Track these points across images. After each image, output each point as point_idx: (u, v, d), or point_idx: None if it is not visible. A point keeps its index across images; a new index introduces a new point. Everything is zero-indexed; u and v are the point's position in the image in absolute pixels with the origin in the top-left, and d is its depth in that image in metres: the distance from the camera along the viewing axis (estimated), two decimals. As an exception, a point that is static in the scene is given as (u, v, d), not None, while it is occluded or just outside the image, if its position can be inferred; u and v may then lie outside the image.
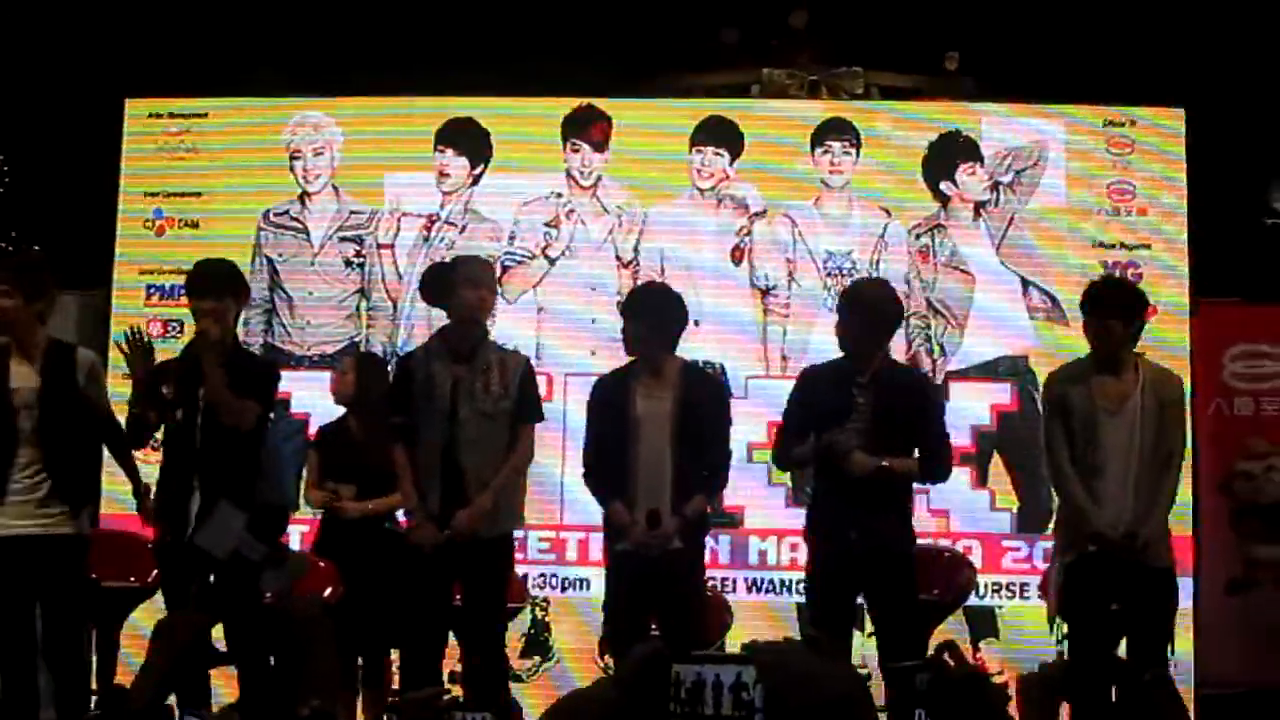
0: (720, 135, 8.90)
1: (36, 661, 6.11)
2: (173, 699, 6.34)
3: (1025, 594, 8.49)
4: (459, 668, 6.75)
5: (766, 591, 8.53)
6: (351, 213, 8.97)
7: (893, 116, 9.00)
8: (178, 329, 8.49)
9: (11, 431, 6.08)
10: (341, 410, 7.55)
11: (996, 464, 8.67)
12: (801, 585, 7.06)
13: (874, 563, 6.31)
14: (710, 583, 7.83)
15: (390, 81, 9.01)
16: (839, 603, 6.39)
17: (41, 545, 6.06)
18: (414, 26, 9.38)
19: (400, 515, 7.02)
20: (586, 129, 8.94)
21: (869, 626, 6.61)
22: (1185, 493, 6.93)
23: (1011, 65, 9.12)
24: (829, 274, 8.75)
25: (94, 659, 7.22)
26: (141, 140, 9.00)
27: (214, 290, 6.34)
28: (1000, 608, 8.53)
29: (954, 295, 8.78)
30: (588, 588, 8.43)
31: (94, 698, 6.81)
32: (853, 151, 8.89)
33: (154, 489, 6.40)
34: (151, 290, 8.85)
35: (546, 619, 8.58)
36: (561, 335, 8.77)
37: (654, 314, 6.63)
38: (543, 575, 8.57)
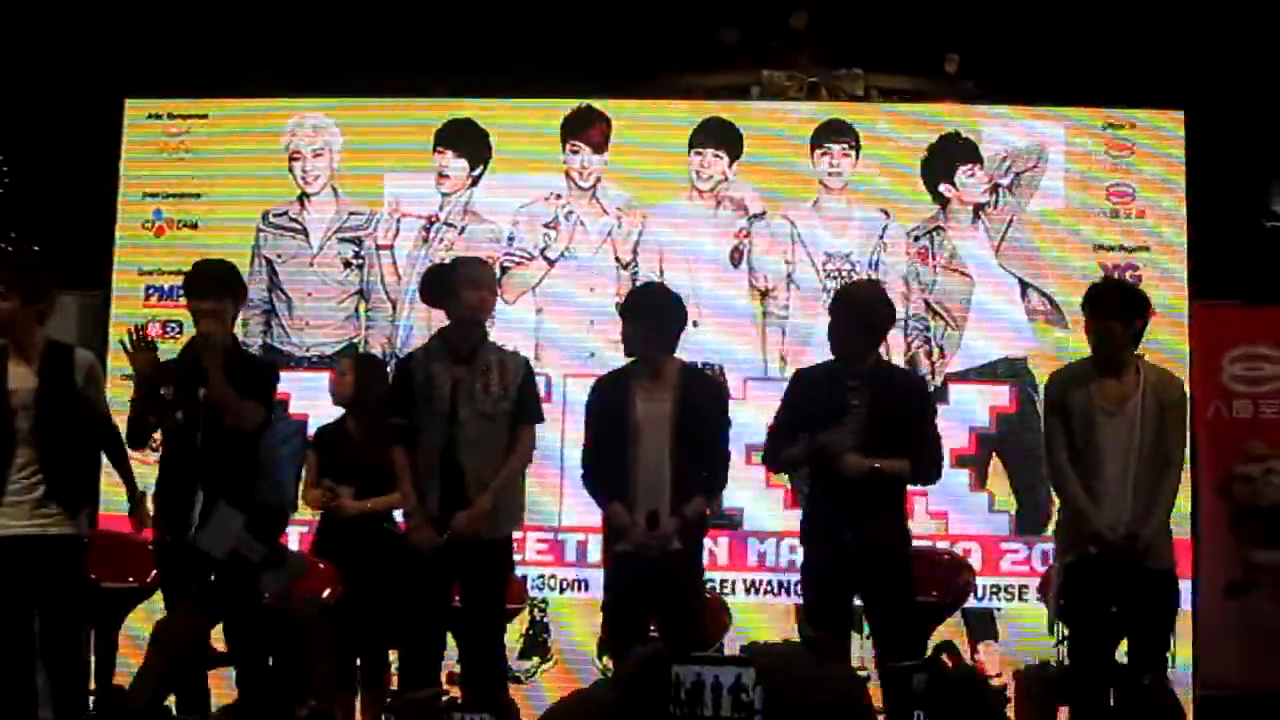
0: (720, 136, 8.90)
1: (34, 662, 6.11)
2: (171, 700, 6.33)
3: (1024, 596, 8.49)
4: (458, 668, 6.75)
5: (765, 593, 8.54)
6: (351, 214, 8.97)
7: (892, 118, 9.01)
8: (177, 330, 8.49)
9: (9, 432, 6.07)
10: (340, 411, 7.55)
11: (995, 466, 8.67)
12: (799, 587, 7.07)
13: (869, 563, 6.31)
14: (709, 584, 7.84)
15: (390, 83, 9.01)
16: (835, 604, 6.39)
17: (39, 546, 6.04)
18: (413, 28, 9.38)
19: (399, 516, 7.02)
20: (586, 130, 8.95)
21: (868, 628, 6.61)
22: (1184, 496, 6.92)
23: (1011, 67, 9.12)
24: (828, 275, 8.76)
25: (92, 659, 7.22)
26: (141, 141, 9.02)
27: (213, 291, 6.34)
28: (999, 609, 8.54)
29: (953, 297, 8.79)
30: (587, 589, 8.43)
31: (92, 698, 6.81)
32: (852, 153, 8.90)
33: (149, 496, 6.41)
34: (150, 291, 8.86)
35: (546, 620, 8.58)
36: (560, 336, 8.78)
37: (653, 315, 6.62)
38: (542, 576, 8.57)
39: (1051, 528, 7.55)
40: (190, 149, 8.98)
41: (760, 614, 8.46)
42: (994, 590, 8.52)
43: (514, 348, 6.97)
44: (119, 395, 6.84)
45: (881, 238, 8.82)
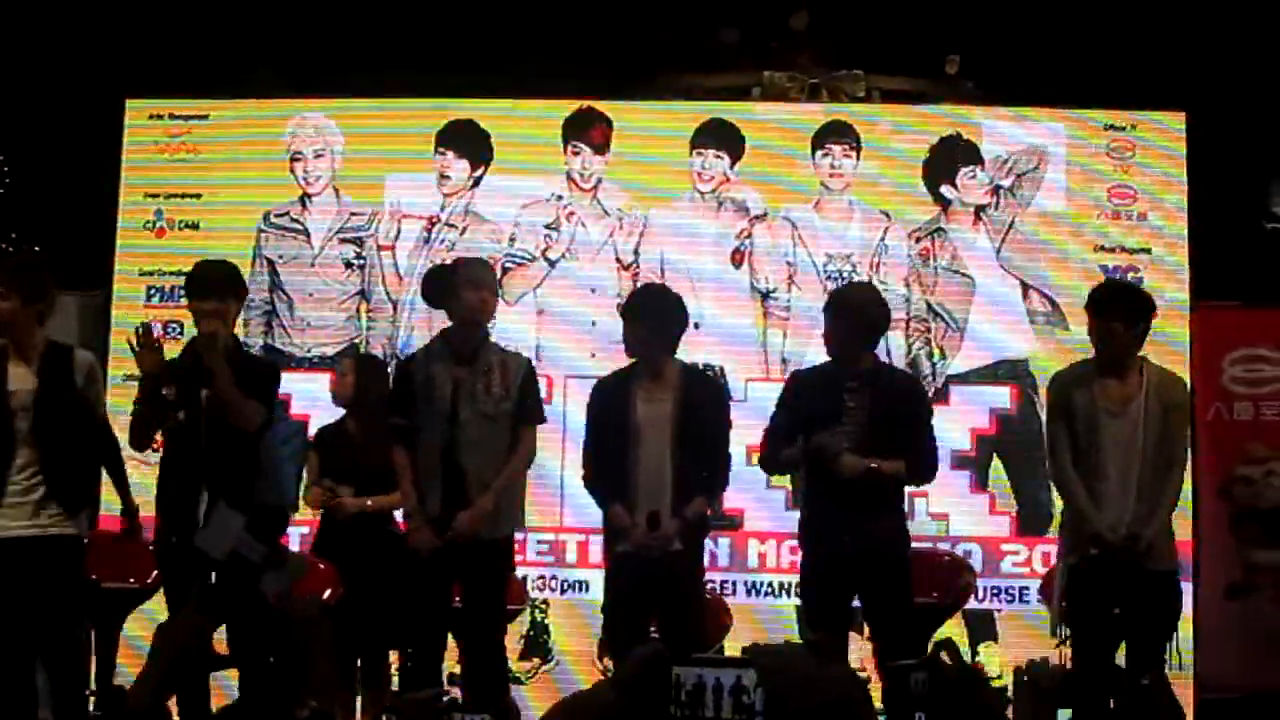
0: (721, 138, 8.90)
1: (34, 663, 6.10)
2: (173, 702, 6.33)
3: (1025, 598, 8.49)
4: (459, 669, 6.74)
5: (766, 594, 8.54)
6: (352, 214, 8.97)
7: (893, 120, 9.00)
8: (178, 330, 8.47)
9: (9, 433, 6.05)
10: (341, 411, 7.55)
11: (996, 467, 8.67)
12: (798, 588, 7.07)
13: (867, 564, 6.31)
14: (710, 585, 7.84)
15: (391, 83, 9.00)
16: (834, 605, 6.39)
17: (38, 547, 6.03)
18: (415, 28, 9.37)
19: (399, 516, 7.01)
20: (587, 131, 8.95)
21: (868, 630, 6.61)
22: (1185, 497, 6.92)
23: (1013, 68, 9.11)
24: (829, 277, 8.75)
25: (93, 660, 7.22)
26: (142, 141, 9.02)
27: (215, 292, 6.33)
28: (999, 611, 8.53)
29: (954, 299, 8.79)
30: (588, 590, 8.43)
31: (92, 699, 6.81)
32: (853, 153, 8.90)
33: (141, 511, 6.42)
34: (151, 291, 8.86)
35: (546, 621, 8.58)
36: (561, 337, 8.78)
37: (654, 316, 6.62)
38: (542, 577, 8.57)
39: (1053, 529, 7.55)
40: (191, 150, 8.98)
41: (760, 616, 8.46)
42: (994, 592, 8.52)
43: (515, 349, 6.98)
44: (120, 404, 6.83)
45: (883, 239, 8.82)
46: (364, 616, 7.04)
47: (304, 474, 7.71)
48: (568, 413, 8.24)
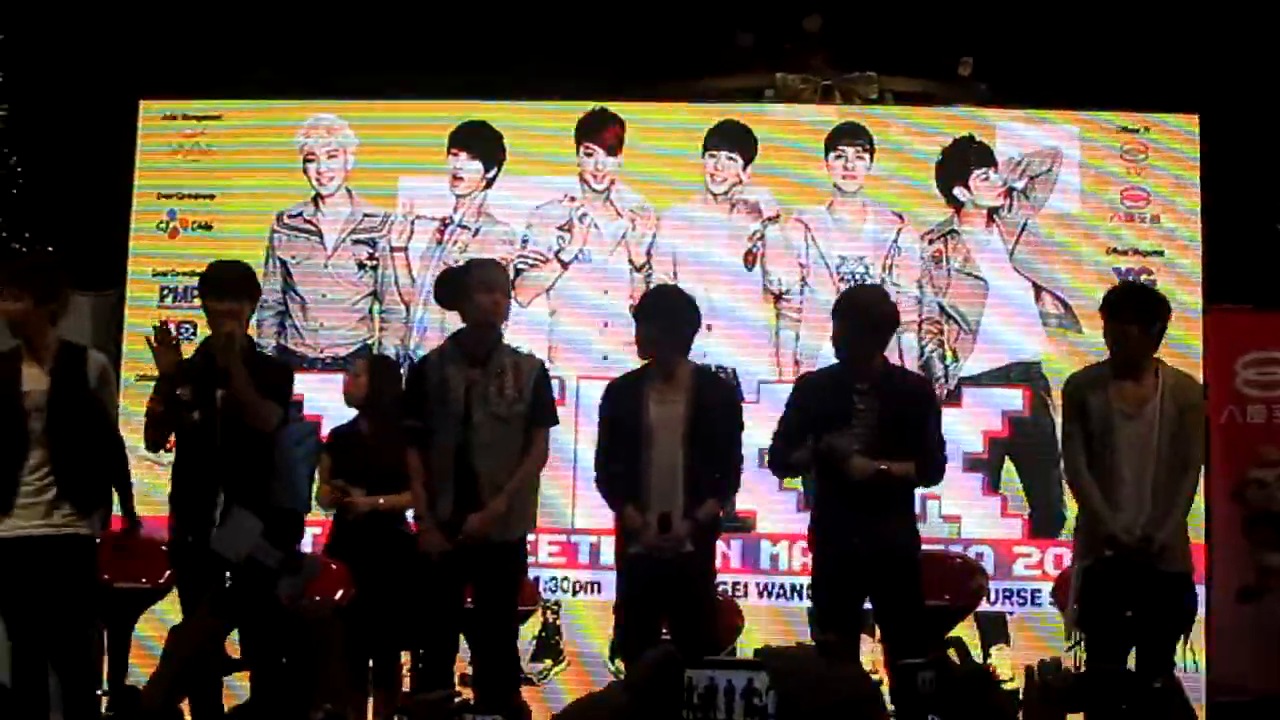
0: (734, 139, 8.90)
1: (47, 664, 6.11)
2: (185, 705, 6.33)
3: (1037, 600, 8.48)
4: (470, 670, 6.74)
5: (778, 596, 8.52)
6: (365, 215, 8.97)
7: (907, 121, 8.99)
8: (191, 331, 8.47)
9: (22, 434, 6.07)
10: (354, 413, 7.56)
11: (1008, 470, 8.65)
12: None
13: (878, 566, 6.31)
14: (722, 587, 7.83)
15: (404, 84, 9.01)
16: (845, 607, 6.39)
17: (51, 547, 6.05)
18: (428, 30, 9.38)
19: (410, 517, 7.01)
20: (600, 132, 8.94)
21: (879, 632, 6.60)
22: (1198, 500, 6.91)
23: (1025, 71, 9.11)
24: (842, 279, 8.74)
25: (105, 660, 7.22)
26: (156, 142, 9.01)
27: (230, 292, 6.34)
28: (1011, 614, 8.52)
29: (967, 300, 8.78)
30: (599, 591, 8.42)
31: (105, 699, 6.81)
32: (866, 156, 8.89)
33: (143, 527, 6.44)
34: (165, 291, 8.86)
35: (558, 622, 8.57)
36: (574, 338, 8.77)
37: (667, 317, 6.62)
38: (554, 579, 8.57)
39: (1066, 532, 7.53)
40: (205, 150, 8.98)
41: (772, 617, 8.45)
42: (1006, 594, 8.51)
43: (528, 350, 6.98)
44: (134, 409, 6.83)
45: (895, 241, 8.81)
46: (376, 617, 7.04)
47: (316, 475, 7.72)
48: (580, 414, 8.23)
